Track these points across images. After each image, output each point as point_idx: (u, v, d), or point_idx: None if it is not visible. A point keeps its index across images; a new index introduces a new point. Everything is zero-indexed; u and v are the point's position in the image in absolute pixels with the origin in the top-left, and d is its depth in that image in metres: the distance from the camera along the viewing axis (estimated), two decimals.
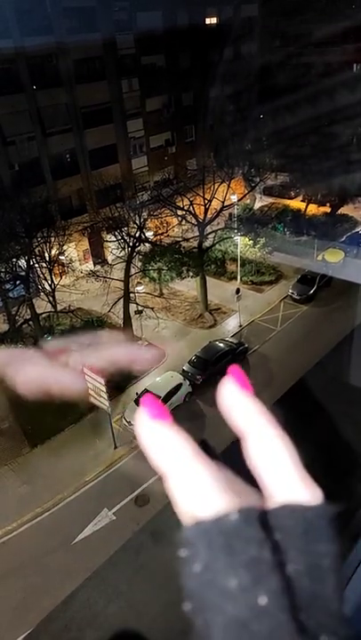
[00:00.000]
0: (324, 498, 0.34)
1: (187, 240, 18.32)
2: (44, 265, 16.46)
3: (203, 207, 18.04)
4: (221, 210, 18.49)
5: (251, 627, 0.28)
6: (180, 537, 0.31)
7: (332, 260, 20.59)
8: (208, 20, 24.46)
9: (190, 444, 0.36)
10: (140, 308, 17.06)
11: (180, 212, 18.79)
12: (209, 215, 18.08)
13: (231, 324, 19.09)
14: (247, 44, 22.96)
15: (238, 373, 0.40)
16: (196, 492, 0.33)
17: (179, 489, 0.34)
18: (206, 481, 0.34)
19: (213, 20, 24.68)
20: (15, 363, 0.53)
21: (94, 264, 21.59)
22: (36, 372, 0.53)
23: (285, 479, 0.35)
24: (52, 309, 16.48)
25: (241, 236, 19.56)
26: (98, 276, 17.22)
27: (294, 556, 0.31)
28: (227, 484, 0.34)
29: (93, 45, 20.29)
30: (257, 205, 24.22)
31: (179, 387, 14.83)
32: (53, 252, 16.94)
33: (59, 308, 16.75)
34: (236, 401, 0.39)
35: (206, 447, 0.37)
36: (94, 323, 16.48)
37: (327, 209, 23.46)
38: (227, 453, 0.43)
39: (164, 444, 0.36)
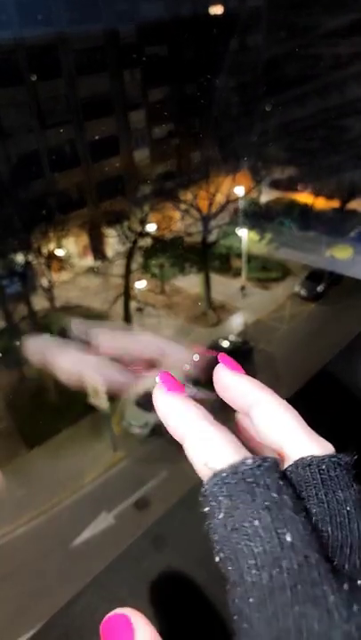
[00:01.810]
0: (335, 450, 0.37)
1: (190, 235, 18.00)
2: (43, 260, 16.32)
3: (207, 201, 17.67)
4: (226, 204, 18.10)
5: (281, 562, 0.28)
6: (201, 492, 0.34)
7: (341, 256, 20.11)
8: (213, 10, 23.99)
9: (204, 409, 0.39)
10: (140, 306, 16.84)
11: (183, 206, 18.45)
12: (213, 209, 17.70)
13: (236, 322, 18.73)
14: (253, 34, 22.49)
15: (228, 359, 0.43)
16: (213, 448, 0.35)
17: (196, 449, 0.36)
18: (223, 437, 0.36)
19: (218, 10, 24.20)
20: (52, 349, 0.55)
21: (94, 259, 21.30)
22: (73, 360, 0.54)
23: (297, 439, 0.37)
24: (51, 306, 16.31)
25: (246, 230, 19.17)
26: (97, 272, 16.99)
27: (314, 504, 0.32)
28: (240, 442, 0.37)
29: (94, 35, 19.92)
30: (263, 199, 23.74)
31: None
32: (52, 247, 16.78)
33: (57, 304, 16.59)
34: (235, 379, 0.42)
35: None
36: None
37: (336, 203, 22.94)
38: None
39: (180, 411, 0.39)
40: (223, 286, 19.84)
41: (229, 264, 21.16)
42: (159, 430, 13.42)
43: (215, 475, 0.32)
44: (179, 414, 0.37)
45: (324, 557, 0.28)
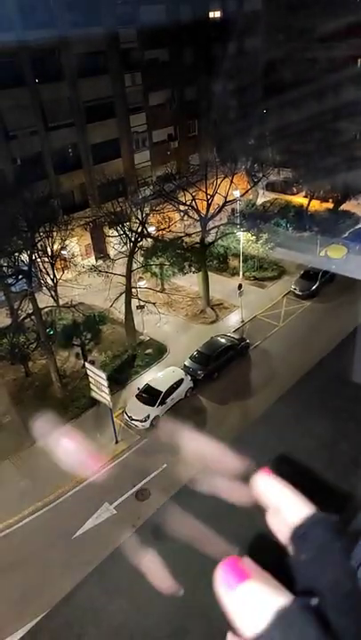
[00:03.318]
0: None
1: (189, 235, 18.23)
2: (47, 259, 16.44)
3: (205, 202, 17.93)
4: (224, 205, 18.35)
5: (346, 570, 0.51)
6: (302, 522, 0.54)
7: (334, 255, 20.58)
8: (212, 14, 24.23)
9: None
10: (141, 303, 17.03)
11: (182, 207, 18.67)
12: (211, 210, 17.96)
13: (233, 320, 19.08)
14: (251, 38, 22.77)
15: (267, 470, 0.62)
16: (305, 505, 0.56)
17: (295, 505, 0.56)
18: (305, 500, 0.58)
19: (217, 14, 24.46)
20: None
21: (96, 259, 21.55)
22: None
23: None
24: (54, 304, 16.47)
25: (243, 231, 19.47)
26: (100, 270, 17.14)
27: None
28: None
29: (96, 39, 20.12)
30: (260, 201, 24.10)
31: (180, 382, 14.80)
32: (55, 246, 16.91)
33: (61, 302, 16.76)
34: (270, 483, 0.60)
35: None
36: (96, 318, 16.49)
37: (330, 205, 23.34)
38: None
39: (276, 486, 0.59)
40: (221, 285, 20.26)
41: (227, 263, 21.59)
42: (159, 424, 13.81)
43: (313, 515, 0.55)
44: (275, 488, 0.59)
45: None
